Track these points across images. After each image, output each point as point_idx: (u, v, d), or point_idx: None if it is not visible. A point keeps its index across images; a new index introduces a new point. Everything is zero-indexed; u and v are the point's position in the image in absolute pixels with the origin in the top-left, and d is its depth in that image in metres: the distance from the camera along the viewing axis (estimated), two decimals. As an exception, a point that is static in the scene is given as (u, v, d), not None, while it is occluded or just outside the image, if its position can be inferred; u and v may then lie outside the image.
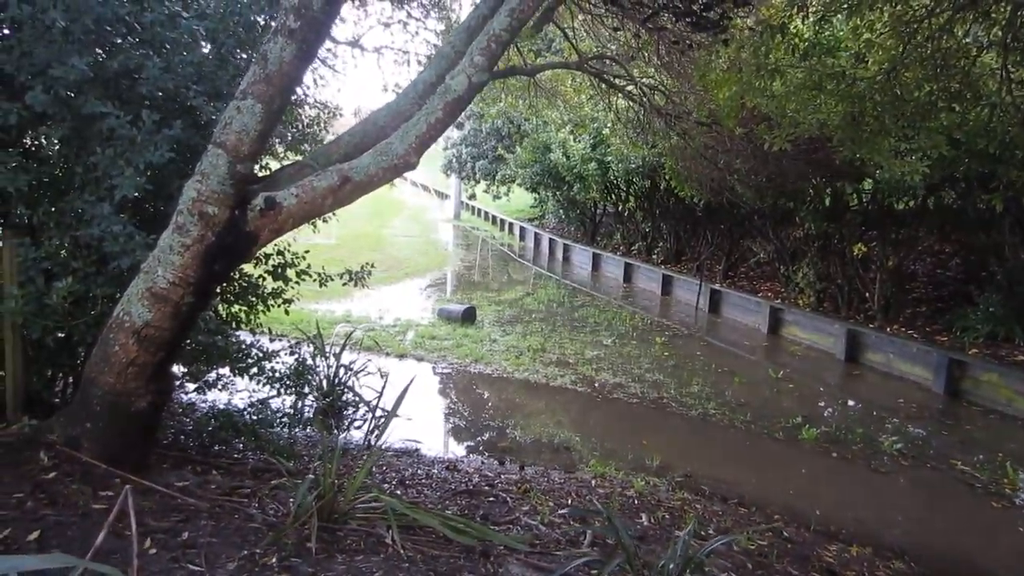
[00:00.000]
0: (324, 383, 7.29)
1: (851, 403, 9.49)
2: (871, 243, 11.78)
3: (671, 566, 3.11)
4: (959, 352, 9.64)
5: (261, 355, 5.41)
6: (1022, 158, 7.61)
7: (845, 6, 5.63)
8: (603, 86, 8.39)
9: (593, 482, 5.89)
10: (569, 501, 5.18)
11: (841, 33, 7.48)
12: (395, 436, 6.56)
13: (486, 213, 32.94)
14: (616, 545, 3.41)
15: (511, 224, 28.34)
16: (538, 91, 9.92)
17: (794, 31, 6.12)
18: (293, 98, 5.53)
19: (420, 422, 7.35)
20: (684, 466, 6.64)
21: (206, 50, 4.60)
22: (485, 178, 27.16)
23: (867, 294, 11.74)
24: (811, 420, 7.97)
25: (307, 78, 6.32)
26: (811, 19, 6.20)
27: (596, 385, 9.01)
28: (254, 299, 5.37)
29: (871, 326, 11.17)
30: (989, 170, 8.67)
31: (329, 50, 7.04)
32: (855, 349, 10.98)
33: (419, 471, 5.83)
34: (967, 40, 6.58)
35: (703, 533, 4.57)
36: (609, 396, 8.64)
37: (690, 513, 5.12)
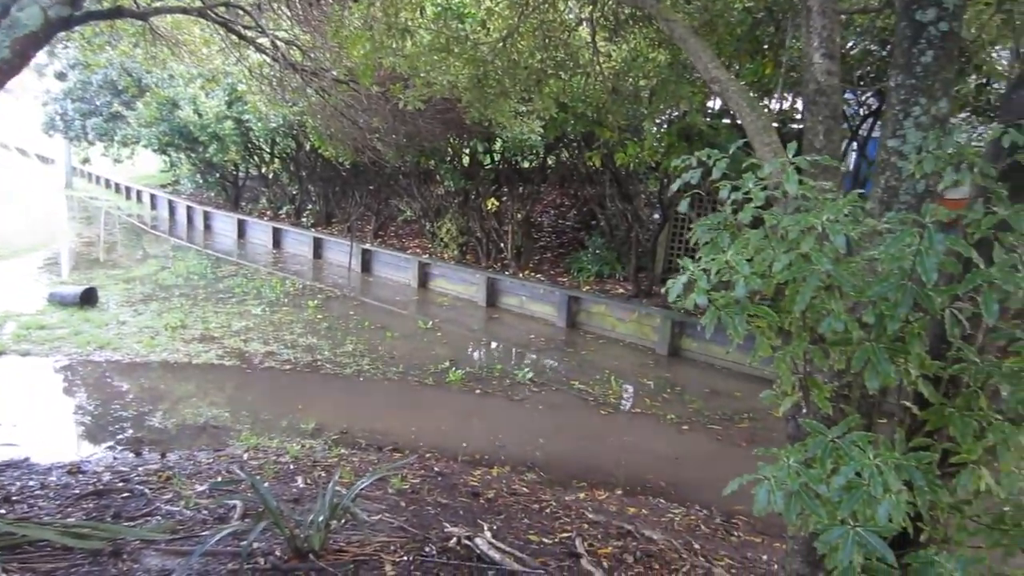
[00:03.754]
0: None
1: (492, 344, 10.47)
2: (503, 198, 13.00)
3: (320, 518, 3.08)
4: (576, 290, 11.22)
5: None
6: (612, 121, 8.94)
7: (465, -29, 5.96)
8: (234, 38, 7.75)
9: (246, 455, 5.59)
10: (219, 480, 4.85)
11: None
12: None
13: (107, 180, 28.76)
14: (264, 510, 3.27)
15: (139, 192, 25.15)
16: (158, 39, 8.78)
17: (422, -8, 6.31)
18: None
19: (29, 428, 6.23)
20: (340, 424, 6.66)
21: None
22: (101, 139, 23.24)
23: (502, 245, 12.97)
24: (457, 363, 8.61)
25: None
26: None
27: (246, 356, 8.52)
28: None
29: (507, 273, 12.40)
30: (590, 131, 10.10)
31: None
32: (494, 295, 12.11)
33: (31, 482, 4.93)
34: (570, 16, 7.49)
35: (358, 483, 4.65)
36: (261, 366, 8.24)
37: (346, 467, 5.15)
